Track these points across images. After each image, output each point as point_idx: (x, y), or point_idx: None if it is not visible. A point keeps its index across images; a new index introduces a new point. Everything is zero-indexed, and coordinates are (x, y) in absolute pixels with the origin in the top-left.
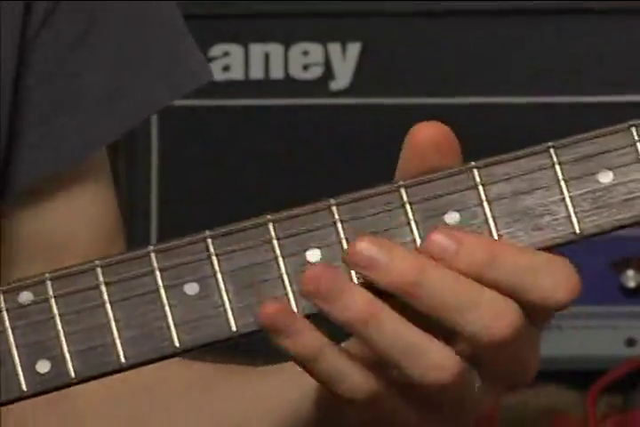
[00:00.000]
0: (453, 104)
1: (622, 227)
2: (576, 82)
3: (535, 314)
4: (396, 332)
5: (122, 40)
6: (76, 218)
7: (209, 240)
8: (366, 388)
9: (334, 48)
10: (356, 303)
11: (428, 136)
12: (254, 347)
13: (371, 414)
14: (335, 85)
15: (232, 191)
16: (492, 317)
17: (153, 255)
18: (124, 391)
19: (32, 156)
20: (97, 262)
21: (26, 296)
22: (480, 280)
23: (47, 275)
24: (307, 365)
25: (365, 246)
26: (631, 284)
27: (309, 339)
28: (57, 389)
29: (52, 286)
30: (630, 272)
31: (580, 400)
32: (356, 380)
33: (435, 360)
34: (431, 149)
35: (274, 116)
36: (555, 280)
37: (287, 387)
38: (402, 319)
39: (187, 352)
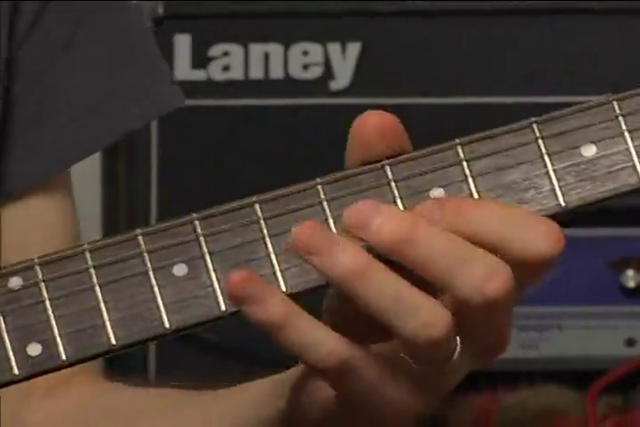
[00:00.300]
0: (453, 104)
1: (606, 199)
2: (571, 82)
3: (520, 274)
4: (387, 287)
5: (108, 47)
6: (41, 224)
7: (196, 222)
8: (336, 356)
9: (334, 48)
10: (345, 258)
11: (372, 124)
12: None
13: (346, 392)
14: (335, 85)
15: (232, 191)
16: (485, 276)
17: (140, 238)
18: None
19: (22, 157)
20: (85, 246)
21: (15, 281)
22: (467, 238)
23: (36, 260)
24: (276, 333)
25: (357, 208)
26: (631, 284)
27: (278, 306)
28: (48, 371)
29: (42, 270)
30: (630, 272)
31: (580, 400)
32: (326, 348)
33: (426, 317)
34: (376, 136)
35: (274, 116)
36: (539, 232)
37: (256, 400)
38: (393, 275)
39: (177, 333)
